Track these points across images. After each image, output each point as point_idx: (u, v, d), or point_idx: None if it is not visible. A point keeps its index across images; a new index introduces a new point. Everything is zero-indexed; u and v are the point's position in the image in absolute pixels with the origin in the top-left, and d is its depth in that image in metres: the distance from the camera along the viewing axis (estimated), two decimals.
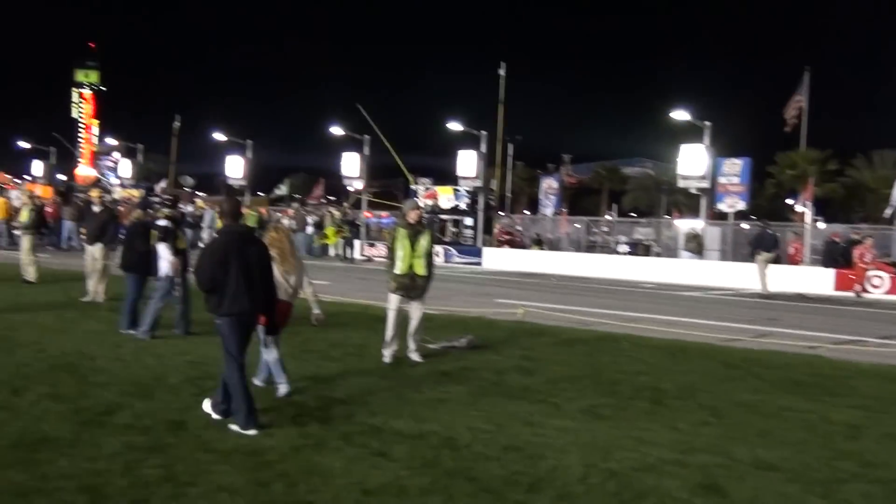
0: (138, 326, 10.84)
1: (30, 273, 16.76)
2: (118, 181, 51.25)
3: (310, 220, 32.23)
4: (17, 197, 33.94)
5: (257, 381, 7.98)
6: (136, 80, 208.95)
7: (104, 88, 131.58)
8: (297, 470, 5.55)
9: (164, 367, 8.82)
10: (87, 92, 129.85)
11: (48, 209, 30.12)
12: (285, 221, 33.28)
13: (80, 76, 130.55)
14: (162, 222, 10.86)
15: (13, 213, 29.80)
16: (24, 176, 55.79)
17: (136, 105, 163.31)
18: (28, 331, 10.85)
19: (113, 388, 7.69)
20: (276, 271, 7.54)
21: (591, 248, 32.61)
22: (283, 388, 7.73)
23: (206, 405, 6.90)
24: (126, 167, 49.11)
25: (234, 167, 39.83)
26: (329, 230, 30.50)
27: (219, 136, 42.95)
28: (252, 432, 6.37)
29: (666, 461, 6.05)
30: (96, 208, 14.66)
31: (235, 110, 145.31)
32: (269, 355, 7.84)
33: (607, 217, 43.38)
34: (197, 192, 57.81)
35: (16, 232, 27.13)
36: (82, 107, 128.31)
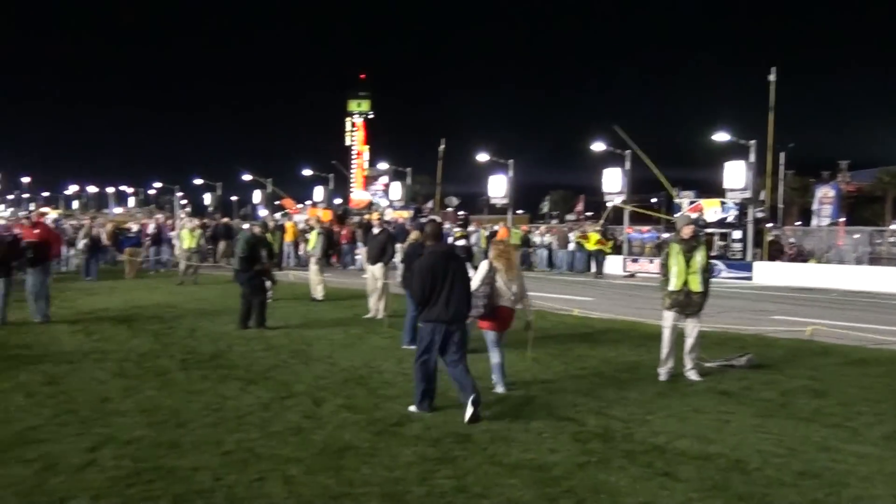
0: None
1: (318, 292, 18.14)
2: (388, 203, 54.15)
3: (571, 236, 32.31)
4: (303, 221, 36.94)
5: (500, 389, 8.73)
6: (404, 107, 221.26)
7: (371, 116, 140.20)
8: (583, 487, 5.57)
9: (446, 381, 9.16)
10: (358, 120, 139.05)
11: (344, 232, 32.43)
12: (540, 238, 33.63)
13: (352, 106, 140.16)
14: (461, 242, 11.25)
15: (300, 235, 32.46)
16: (307, 201, 60.49)
17: (404, 130, 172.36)
18: (320, 346, 11.72)
19: (401, 400, 8.11)
20: (500, 280, 8.65)
21: (874, 260, 30.06)
22: (499, 389, 8.73)
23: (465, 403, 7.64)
24: (396, 190, 51.77)
25: (497, 186, 40.85)
26: (592, 235, 30.36)
27: (482, 157, 44.26)
28: (423, 409, 7.63)
29: None
30: (375, 230, 15.56)
31: (498, 131, 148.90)
32: (495, 358, 8.82)
33: (894, 227, 39.79)
34: (461, 213, 59.80)
35: (302, 253, 29.56)
36: (354, 134, 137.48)
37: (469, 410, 7.36)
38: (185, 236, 23.82)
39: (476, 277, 8.71)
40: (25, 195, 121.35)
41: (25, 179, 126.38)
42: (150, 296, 18.86)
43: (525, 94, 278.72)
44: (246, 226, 16.71)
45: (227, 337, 12.40)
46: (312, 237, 19.50)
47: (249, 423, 7.22)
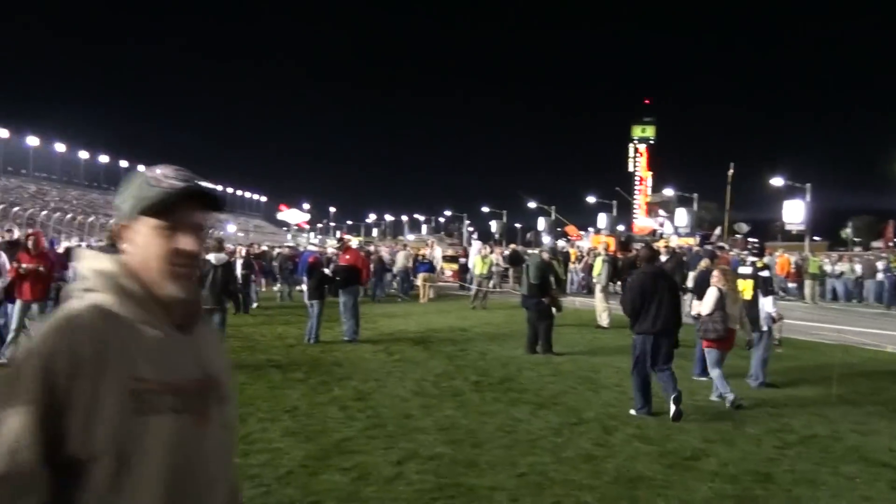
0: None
1: (603, 319, 18.06)
2: (673, 230, 52.87)
3: (879, 265, 29.63)
4: (586, 248, 37.09)
5: (715, 398, 9.58)
6: (690, 131, 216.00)
7: (653, 142, 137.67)
8: None
9: (744, 415, 8.79)
10: (641, 146, 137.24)
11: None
12: (832, 267, 31.16)
13: (636, 132, 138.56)
14: (765, 273, 10.84)
15: (580, 261, 32.60)
16: (589, 228, 60.74)
17: (690, 155, 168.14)
18: (607, 373, 11.65)
19: (695, 433, 7.87)
20: (727, 303, 9.26)
21: None
22: (714, 397, 9.62)
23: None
24: (681, 216, 50.52)
25: (793, 212, 38.60)
26: None
27: (775, 182, 41.98)
28: (642, 413, 8.60)
29: None
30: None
31: (791, 154, 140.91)
32: (713, 373, 9.48)
33: None
34: (750, 239, 57.02)
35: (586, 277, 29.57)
36: (638, 160, 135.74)
37: (672, 408, 8.35)
38: (478, 262, 24.73)
39: (707, 303, 9.35)
40: (332, 224, 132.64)
41: (332, 209, 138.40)
42: (443, 319, 19.76)
43: (821, 114, 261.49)
44: (535, 252, 17.06)
45: (516, 361, 12.69)
46: (598, 264, 19.49)
47: (542, 446, 7.34)
